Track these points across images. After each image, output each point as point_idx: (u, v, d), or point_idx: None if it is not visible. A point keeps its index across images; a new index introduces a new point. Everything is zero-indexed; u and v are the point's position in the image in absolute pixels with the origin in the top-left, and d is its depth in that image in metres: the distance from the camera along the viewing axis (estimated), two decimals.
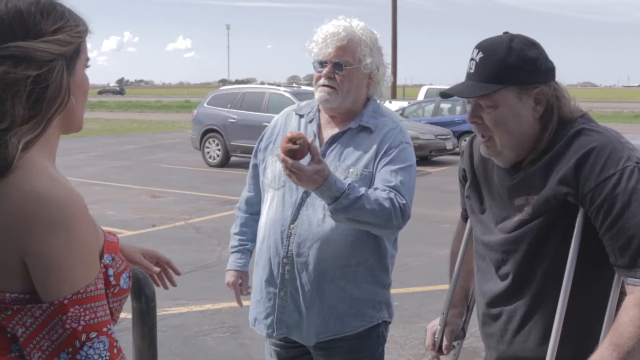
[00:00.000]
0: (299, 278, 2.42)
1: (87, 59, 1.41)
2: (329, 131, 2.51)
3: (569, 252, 1.78)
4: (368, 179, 2.39)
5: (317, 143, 2.48)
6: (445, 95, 1.94)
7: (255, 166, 2.69)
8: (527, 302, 1.88)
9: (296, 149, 2.13)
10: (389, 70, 2.55)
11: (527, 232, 1.83)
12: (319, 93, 2.46)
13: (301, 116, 2.60)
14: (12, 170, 1.26)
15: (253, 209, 2.71)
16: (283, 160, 2.14)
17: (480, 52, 1.83)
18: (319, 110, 2.57)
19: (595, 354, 1.68)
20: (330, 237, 2.37)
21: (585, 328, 1.83)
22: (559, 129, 1.83)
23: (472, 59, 1.85)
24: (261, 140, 2.68)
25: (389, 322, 2.57)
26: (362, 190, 2.25)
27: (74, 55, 1.36)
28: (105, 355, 1.27)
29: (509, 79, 1.80)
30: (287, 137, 2.15)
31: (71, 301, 1.24)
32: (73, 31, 1.35)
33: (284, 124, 2.62)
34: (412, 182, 2.40)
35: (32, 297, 1.27)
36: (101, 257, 1.35)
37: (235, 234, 2.76)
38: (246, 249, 2.73)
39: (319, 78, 2.46)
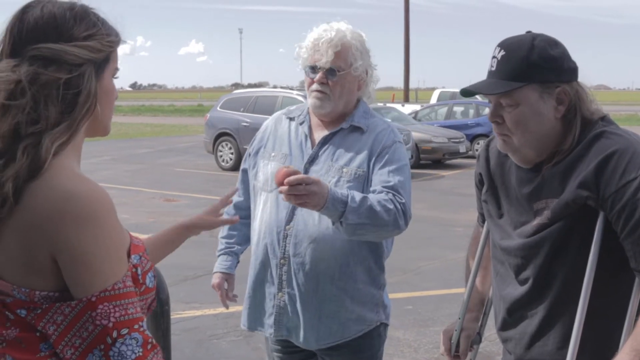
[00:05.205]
0: (296, 279, 2.42)
1: (116, 69, 1.44)
2: (321, 132, 2.52)
3: (589, 257, 1.76)
4: (362, 179, 2.40)
5: (308, 145, 2.51)
6: (466, 93, 1.91)
7: (245, 171, 2.70)
8: (547, 307, 1.87)
9: (296, 170, 2.16)
10: (376, 72, 2.57)
11: (547, 236, 1.82)
12: (311, 99, 2.48)
13: (291, 119, 2.61)
14: (42, 174, 1.29)
15: (241, 213, 2.69)
16: (289, 183, 2.11)
17: (503, 50, 1.82)
18: (309, 113, 2.58)
19: (616, 359, 1.66)
20: (327, 236, 2.37)
21: (605, 333, 1.81)
22: (580, 130, 1.81)
23: (493, 57, 1.84)
24: (251, 145, 2.69)
25: (387, 325, 2.59)
26: (363, 194, 2.28)
27: (104, 63, 1.39)
28: (139, 352, 1.28)
29: (531, 76, 1.78)
30: (282, 170, 2.16)
31: (99, 298, 1.26)
32: (104, 39, 1.39)
33: (274, 127, 2.63)
34: (409, 181, 2.42)
35: (61, 295, 1.29)
36: (129, 256, 1.37)
37: (223, 237, 2.75)
38: (232, 251, 2.71)
39: (311, 83, 2.48)
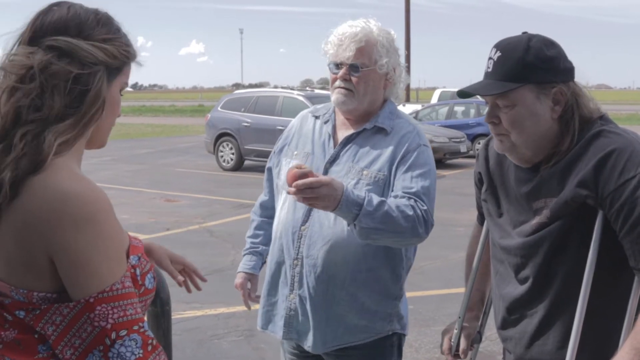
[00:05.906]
0: (308, 281, 2.38)
1: (125, 84, 1.45)
2: (344, 132, 2.47)
3: (588, 255, 1.76)
4: (382, 183, 2.33)
5: (331, 144, 2.46)
6: (462, 94, 1.91)
7: (270, 170, 2.67)
8: (547, 306, 1.87)
9: (306, 172, 2.09)
10: (405, 72, 2.51)
11: (546, 235, 1.82)
12: (335, 95, 2.42)
13: (317, 117, 2.56)
14: (42, 171, 1.29)
15: (267, 212, 2.68)
16: (296, 187, 2.06)
17: (499, 51, 1.82)
18: (334, 112, 2.53)
19: (615, 357, 1.66)
20: (341, 239, 2.32)
21: (604, 332, 1.81)
22: (578, 130, 1.81)
23: (490, 58, 1.84)
24: (277, 143, 2.65)
25: (404, 335, 2.51)
26: (381, 198, 2.21)
27: (116, 71, 1.40)
28: (139, 353, 1.27)
29: (527, 77, 1.78)
30: (292, 168, 2.12)
31: (97, 299, 1.26)
32: (122, 47, 1.41)
33: (300, 125, 2.60)
34: (433, 187, 2.33)
35: (59, 296, 1.29)
36: (127, 257, 1.36)
37: (249, 237, 2.72)
38: (257, 251, 2.68)
39: (335, 80, 2.42)
